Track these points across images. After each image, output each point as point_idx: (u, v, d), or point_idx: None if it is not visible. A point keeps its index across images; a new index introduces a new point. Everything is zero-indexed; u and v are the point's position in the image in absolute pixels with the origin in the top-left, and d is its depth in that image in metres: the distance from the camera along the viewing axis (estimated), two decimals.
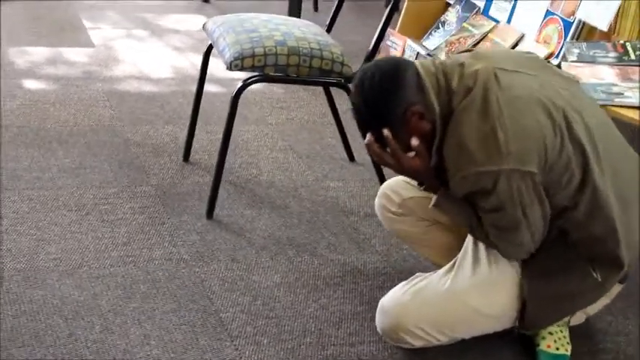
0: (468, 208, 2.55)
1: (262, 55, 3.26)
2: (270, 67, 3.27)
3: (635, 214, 2.60)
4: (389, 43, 4.73)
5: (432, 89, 2.48)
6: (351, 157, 3.99)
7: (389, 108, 2.48)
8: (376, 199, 3.04)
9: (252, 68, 3.28)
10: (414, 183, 2.82)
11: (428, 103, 2.47)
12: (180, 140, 3.95)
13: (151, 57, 5.03)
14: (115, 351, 2.63)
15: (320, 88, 3.88)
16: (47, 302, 2.82)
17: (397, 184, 2.98)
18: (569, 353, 2.78)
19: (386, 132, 2.49)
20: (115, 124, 4.11)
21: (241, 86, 3.30)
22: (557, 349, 2.78)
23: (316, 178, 3.82)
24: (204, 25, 3.63)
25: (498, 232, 2.52)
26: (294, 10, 5.09)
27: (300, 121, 4.37)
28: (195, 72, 4.75)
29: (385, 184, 3.03)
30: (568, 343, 2.80)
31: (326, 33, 3.57)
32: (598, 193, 2.49)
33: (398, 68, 2.51)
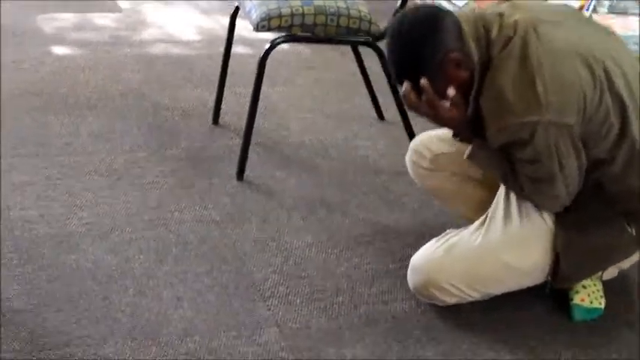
0: (503, 159, 2.53)
1: (289, 15, 3.25)
2: (297, 26, 3.26)
3: None
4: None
5: (470, 37, 2.45)
6: (381, 116, 3.97)
7: (426, 53, 2.44)
8: (407, 155, 3.03)
9: (279, 29, 3.27)
10: (447, 137, 2.82)
11: (466, 50, 2.45)
12: (209, 103, 3.95)
13: (178, 20, 5.01)
14: (148, 314, 2.65)
15: (348, 48, 3.86)
16: (80, 267, 2.84)
17: (428, 139, 2.97)
18: (602, 307, 2.78)
19: (423, 81, 2.46)
20: (144, 89, 4.12)
21: (269, 47, 3.29)
22: (592, 302, 2.77)
23: (345, 137, 3.81)
24: None
25: (533, 184, 2.50)
26: None
27: (329, 81, 4.35)
28: (223, 34, 4.72)
29: (416, 139, 3.02)
30: (602, 296, 2.79)
31: None
32: (636, 145, 2.47)
33: (437, 14, 2.48)
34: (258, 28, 3.26)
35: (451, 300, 2.69)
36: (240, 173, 3.41)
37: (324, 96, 4.19)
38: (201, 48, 4.66)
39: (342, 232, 3.14)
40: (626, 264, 2.78)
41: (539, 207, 2.60)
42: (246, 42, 4.62)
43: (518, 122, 2.38)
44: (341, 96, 4.19)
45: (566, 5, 2.79)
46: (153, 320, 2.63)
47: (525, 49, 2.39)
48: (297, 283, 2.85)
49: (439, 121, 2.58)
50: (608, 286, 2.83)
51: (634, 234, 2.59)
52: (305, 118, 3.95)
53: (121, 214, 3.14)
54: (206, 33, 4.87)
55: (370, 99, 3.95)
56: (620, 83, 2.45)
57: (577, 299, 2.77)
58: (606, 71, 2.43)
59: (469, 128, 2.57)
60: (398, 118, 3.74)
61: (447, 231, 2.75)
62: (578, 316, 2.76)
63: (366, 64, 3.88)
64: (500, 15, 2.48)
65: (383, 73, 3.51)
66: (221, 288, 2.80)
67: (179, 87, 4.16)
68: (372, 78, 3.90)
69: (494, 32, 2.45)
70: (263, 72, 3.32)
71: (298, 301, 2.78)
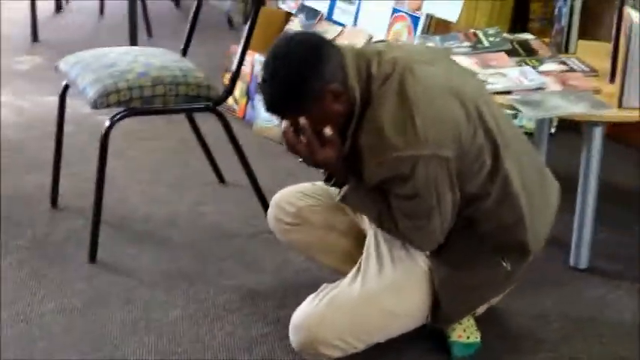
0: (378, 199, 2.55)
1: (127, 88, 3.19)
2: (137, 99, 3.21)
3: (536, 202, 2.66)
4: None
5: (352, 71, 2.46)
6: (222, 179, 3.94)
7: (308, 81, 2.40)
8: (269, 212, 3.01)
9: (119, 104, 3.20)
10: (308, 190, 2.89)
11: (348, 83, 2.44)
12: (45, 187, 3.79)
13: None
14: None
15: (176, 115, 3.83)
16: None
17: (290, 194, 2.97)
18: (479, 340, 2.84)
19: (303, 121, 2.45)
20: None
21: (110, 124, 3.22)
22: (468, 337, 2.82)
23: (190, 205, 3.76)
24: (56, 66, 3.53)
25: (410, 220, 2.53)
26: (133, 39, 4.99)
27: (162, 150, 4.30)
28: (43, 114, 4.61)
29: (277, 196, 3.00)
30: (477, 330, 2.85)
31: (184, 59, 3.52)
32: (508, 181, 2.55)
33: (323, 42, 2.47)
34: (96, 105, 3.18)
35: (336, 354, 2.67)
36: (93, 255, 3.30)
37: (160, 166, 4.13)
38: (22, 130, 4.50)
39: (208, 302, 3.08)
40: (496, 299, 2.86)
41: (414, 244, 2.63)
42: (70, 120, 4.49)
43: (399, 156, 2.40)
44: (178, 163, 4.15)
45: (436, 47, 2.86)
46: None
47: (403, 85, 2.43)
48: None
49: (315, 162, 2.56)
50: (479, 318, 2.89)
51: (509, 268, 2.66)
52: (146, 191, 3.87)
53: None
54: (27, 115, 4.70)
55: (209, 163, 3.92)
56: (490, 120, 2.53)
57: (454, 336, 2.82)
58: (478, 110, 2.51)
59: (344, 168, 2.57)
60: (239, 179, 3.74)
61: (323, 285, 2.73)
62: (457, 352, 2.81)
63: (202, 128, 3.85)
64: (379, 52, 2.51)
65: (219, 137, 3.50)
66: None
67: (11, 173, 3.99)
68: (208, 141, 3.87)
69: (374, 68, 2.47)
70: (106, 150, 3.24)
71: None
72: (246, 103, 4.57)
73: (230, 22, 6.13)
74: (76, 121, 4.43)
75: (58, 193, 3.71)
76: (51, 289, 3.14)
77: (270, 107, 2.48)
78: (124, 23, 5.69)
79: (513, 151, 2.58)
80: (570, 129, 4.25)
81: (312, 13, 4.53)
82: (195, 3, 3.69)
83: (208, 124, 3.83)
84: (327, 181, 2.68)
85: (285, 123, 2.51)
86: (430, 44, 3.60)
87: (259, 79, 2.52)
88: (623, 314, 3.04)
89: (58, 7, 6.41)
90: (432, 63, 2.55)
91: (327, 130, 2.49)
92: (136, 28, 4.82)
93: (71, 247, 3.40)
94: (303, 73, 2.40)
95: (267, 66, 2.46)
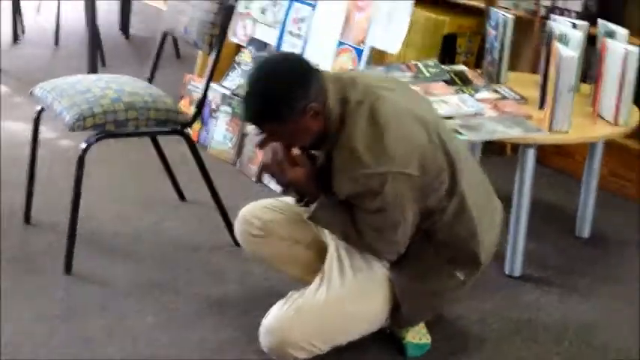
0: (345, 215, 2.63)
1: (102, 112, 3.23)
2: (111, 123, 3.25)
3: (485, 218, 2.78)
4: (190, 87, 4.77)
5: (332, 94, 2.55)
6: (182, 197, 3.99)
7: (293, 97, 2.49)
8: (236, 225, 3.06)
9: (94, 127, 3.24)
10: (274, 205, 2.96)
11: (328, 104, 2.54)
12: (15, 204, 3.80)
13: None
14: None
15: (134, 139, 3.90)
16: None
17: (256, 208, 3.02)
18: (429, 341, 2.95)
19: (278, 146, 2.57)
20: None
21: (87, 146, 3.26)
22: (420, 339, 2.93)
23: (155, 221, 3.80)
24: (31, 91, 3.55)
25: (377, 233, 2.62)
26: (93, 67, 5.00)
27: (124, 171, 4.32)
28: (7, 137, 4.59)
29: (244, 209, 3.05)
30: (427, 332, 2.95)
31: (152, 86, 3.57)
32: (464, 198, 2.67)
33: (309, 65, 2.55)
34: (74, 128, 3.22)
35: (303, 356, 2.75)
36: (69, 267, 3.32)
37: (123, 185, 4.16)
38: None
39: (179, 310, 3.13)
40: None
41: (379, 255, 2.72)
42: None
43: (369, 173, 2.50)
44: (140, 183, 4.18)
45: (394, 76, 2.97)
46: None
47: (373, 109, 2.54)
48: None
49: (285, 182, 2.67)
50: (427, 323, 2.99)
51: (462, 278, 2.76)
52: (111, 209, 3.90)
53: None
54: None
55: (171, 182, 3.96)
56: (448, 142, 2.65)
57: (409, 337, 2.91)
58: (438, 133, 2.63)
59: (314, 186, 2.65)
60: (199, 197, 3.81)
61: (290, 292, 2.81)
62: (411, 352, 2.91)
63: (164, 149, 3.90)
64: (353, 79, 2.62)
65: (176, 158, 3.59)
66: None
67: None
68: (172, 163, 3.92)
69: (350, 93, 2.57)
70: (82, 169, 3.28)
71: None
72: (200, 127, 4.62)
73: (177, 52, 6.20)
74: (40, 144, 4.41)
75: (30, 209, 3.71)
76: (31, 297, 3.15)
77: (253, 118, 2.56)
78: (78, 53, 5.73)
79: (467, 170, 2.70)
80: (493, 153, 4.40)
81: (260, 45, 4.60)
82: (161, 35, 3.77)
83: (168, 146, 3.88)
84: (298, 202, 2.75)
85: (258, 141, 2.59)
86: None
87: (243, 91, 2.57)
88: (554, 316, 3.17)
89: (15, 38, 6.37)
90: (393, 90, 2.66)
91: (295, 151, 2.58)
92: (96, 57, 4.85)
93: (47, 260, 3.42)
94: (291, 90, 2.49)
95: (254, 79, 2.52)
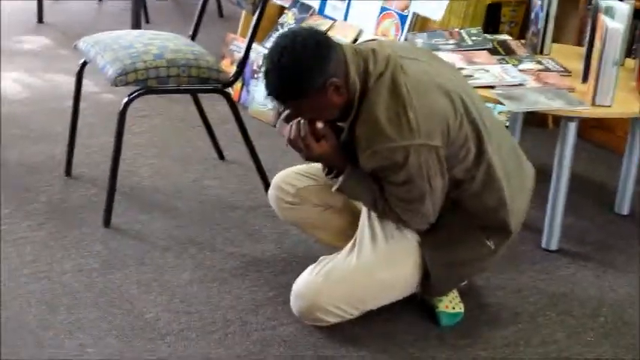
0: (373, 185, 2.60)
1: (144, 68, 3.22)
2: (153, 79, 3.24)
3: (515, 185, 2.74)
4: (233, 47, 4.74)
5: (353, 67, 2.51)
6: (221, 156, 3.98)
7: (314, 73, 2.45)
8: (270, 192, 3.04)
9: (136, 82, 3.23)
10: (306, 171, 2.92)
11: (349, 78, 2.50)
12: (56, 156, 3.82)
13: (3, 79, 4.80)
14: None
15: (177, 95, 3.86)
16: None
17: (289, 175, 3.00)
18: (462, 311, 2.92)
19: (302, 121, 2.53)
20: None
21: (128, 100, 3.25)
22: (454, 308, 2.90)
23: (194, 178, 3.80)
24: (75, 45, 3.54)
25: (404, 204, 2.60)
26: (137, 24, 4.97)
27: (165, 128, 4.31)
28: (50, 89, 4.61)
29: (277, 177, 3.03)
30: (460, 301, 2.93)
31: (195, 43, 3.55)
32: (491, 167, 2.63)
33: (327, 39, 2.51)
34: (116, 83, 3.21)
35: (333, 320, 2.75)
36: (107, 220, 3.33)
37: (163, 142, 4.15)
38: (31, 104, 4.48)
39: (216, 267, 3.13)
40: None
41: (408, 226, 2.69)
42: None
43: (392, 146, 2.47)
44: (180, 140, 4.17)
45: (418, 45, 2.92)
46: None
47: (395, 81, 2.50)
48: (188, 319, 2.83)
49: (311, 157, 2.64)
50: (462, 293, 2.96)
51: (492, 247, 2.73)
52: (152, 164, 3.90)
53: (2, 270, 2.99)
54: (33, 90, 4.68)
55: (210, 141, 3.95)
56: (474, 111, 2.60)
57: (442, 307, 2.89)
58: (463, 102, 2.58)
59: (340, 159, 2.63)
60: (237, 157, 3.80)
61: (321, 257, 2.80)
62: (444, 321, 2.88)
63: (205, 108, 3.88)
64: (373, 51, 2.56)
65: (217, 118, 3.57)
66: (118, 331, 2.74)
67: (19, 144, 3.99)
68: (211, 122, 3.90)
69: (370, 65, 2.52)
70: (124, 123, 3.28)
71: (194, 335, 2.75)
72: (242, 87, 4.60)
73: (220, 11, 6.17)
74: (83, 98, 4.42)
75: (72, 162, 3.72)
76: (69, 250, 3.17)
77: (275, 94, 2.53)
78: (120, 10, 5.71)
79: (494, 138, 2.66)
80: (534, 125, 4.34)
81: (304, 8, 4.57)
82: None
83: (208, 105, 3.87)
84: (327, 174, 2.72)
85: (284, 116, 2.58)
86: (418, 40, 3.66)
87: (262, 68, 2.55)
88: (589, 291, 3.13)
89: None
90: (417, 60, 2.62)
91: (319, 124, 2.54)
92: (140, 13, 4.81)
93: (86, 212, 3.43)
94: (309, 65, 2.45)
95: (273, 56, 2.48)
